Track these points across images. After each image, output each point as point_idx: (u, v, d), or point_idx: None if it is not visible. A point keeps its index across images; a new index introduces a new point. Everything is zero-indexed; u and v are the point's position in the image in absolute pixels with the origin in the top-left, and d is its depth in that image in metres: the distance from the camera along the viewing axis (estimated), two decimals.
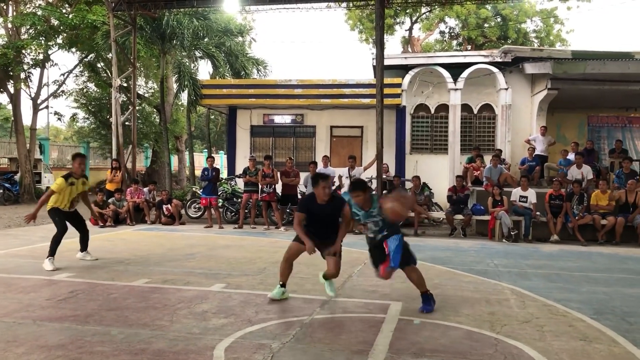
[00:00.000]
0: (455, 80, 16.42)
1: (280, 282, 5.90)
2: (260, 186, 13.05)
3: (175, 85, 24.45)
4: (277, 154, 17.83)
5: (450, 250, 10.19)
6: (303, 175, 13.12)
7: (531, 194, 11.99)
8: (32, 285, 6.32)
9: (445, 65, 16.79)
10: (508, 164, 14.87)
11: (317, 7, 17.27)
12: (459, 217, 12.52)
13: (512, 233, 11.64)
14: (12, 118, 24.34)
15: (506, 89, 16.32)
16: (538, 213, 11.92)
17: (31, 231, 11.65)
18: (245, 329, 4.76)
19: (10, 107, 24.13)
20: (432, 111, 17.38)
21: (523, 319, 5.35)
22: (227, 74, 23.98)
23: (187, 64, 23.32)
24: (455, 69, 16.59)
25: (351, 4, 19.86)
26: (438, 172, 16.22)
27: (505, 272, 7.92)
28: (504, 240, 11.64)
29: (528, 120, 16.80)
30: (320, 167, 13.06)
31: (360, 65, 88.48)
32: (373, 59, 16.26)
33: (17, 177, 21.45)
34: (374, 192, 5.79)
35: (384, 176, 13.80)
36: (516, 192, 12.14)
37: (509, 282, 7.14)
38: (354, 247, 10.06)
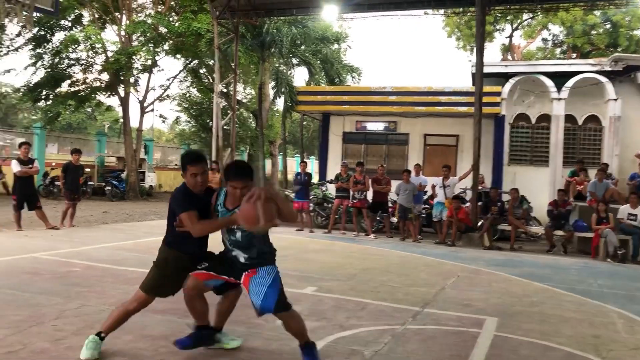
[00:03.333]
0: (559, 89, 15.69)
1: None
2: (351, 192, 13.08)
3: (271, 92, 25.14)
4: (369, 161, 17.80)
5: (549, 267, 9.70)
6: (394, 183, 13.01)
7: None
8: (136, 278, 6.65)
9: (548, 74, 16.10)
10: (616, 180, 13.95)
11: (416, 14, 17.10)
12: (560, 233, 11.91)
13: (618, 252, 10.89)
14: (122, 120, 26.05)
15: (615, 100, 15.36)
16: None
17: (136, 227, 12.36)
18: (337, 334, 4.77)
19: (120, 109, 25.83)
20: (533, 121, 16.67)
21: (633, 345, 4.98)
22: (322, 81, 24.32)
23: (284, 70, 23.89)
24: (559, 78, 15.85)
25: (450, 11, 19.50)
26: (537, 185, 15.52)
27: (611, 294, 7.42)
28: (609, 259, 10.91)
29: (639, 133, 15.70)
30: (412, 176, 12.90)
31: (457, 73, 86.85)
32: (472, 66, 15.88)
33: (123, 175, 22.86)
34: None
35: (480, 187, 13.40)
36: (624, 209, 11.37)
37: (615, 305, 6.67)
38: (446, 259, 9.85)
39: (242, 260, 3.96)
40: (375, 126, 18.08)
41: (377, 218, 13.49)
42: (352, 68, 25.89)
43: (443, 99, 16.59)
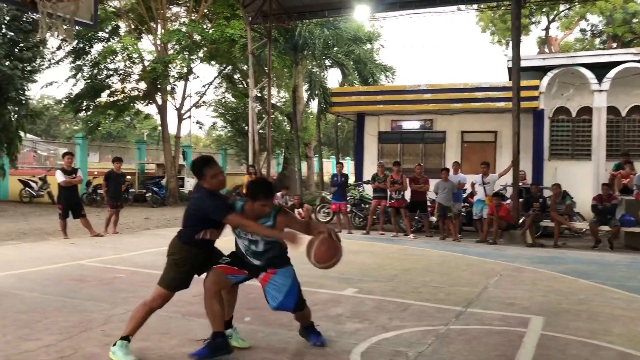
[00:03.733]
0: (599, 81, 15.26)
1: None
2: (388, 192, 13.01)
3: (305, 94, 25.23)
4: (405, 160, 17.64)
5: (595, 263, 9.43)
6: (433, 182, 12.88)
7: None
8: None
9: (588, 65, 15.66)
10: None
11: (449, 10, 16.90)
12: (605, 228, 11.59)
13: None
14: (160, 127, 26.55)
15: None
16: None
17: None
18: (380, 335, 4.75)
19: (158, 117, 26.33)
20: (574, 114, 16.25)
21: None
22: (356, 81, 24.27)
23: (318, 72, 23.93)
24: (600, 69, 15.40)
25: (484, 5, 19.21)
26: (580, 179, 15.13)
27: None
28: None
29: None
30: (451, 174, 12.75)
31: (492, 68, 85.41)
32: (508, 60, 15.62)
33: (163, 181, 23.28)
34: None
35: (521, 184, 13.15)
36: None
37: None
38: (488, 257, 9.70)
39: (257, 263, 4.22)
40: (411, 125, 17.93)
41: (416, 217, 13.38)
42: (385, 67, 25.74)
43: (479, 94, 16.34)
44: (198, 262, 4.18)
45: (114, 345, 4.00)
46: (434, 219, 13.23)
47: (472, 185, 12.82)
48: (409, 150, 18.10)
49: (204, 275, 4.19)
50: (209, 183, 4.10)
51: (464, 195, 13.32)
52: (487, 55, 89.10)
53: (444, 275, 7.86)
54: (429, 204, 13.20)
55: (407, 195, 13.06)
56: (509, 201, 12.77)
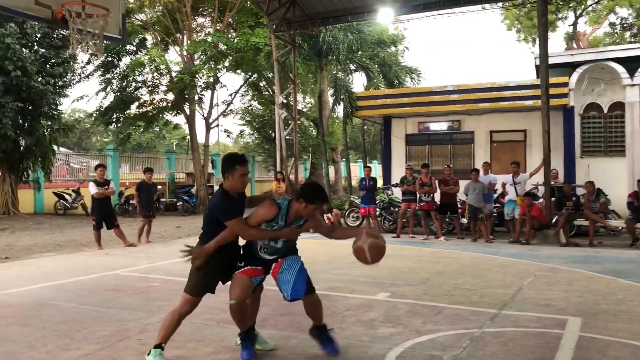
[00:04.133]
0: (631, 75, 14.93)
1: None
2: (418, 195, 12.92)
3: (331, 99, 25.26)
4: (434, 161, 17.53)
5: (634, 262, 9.20)
6: (462, 183, 12.75)
7: None
8: None
9: (618, 60, 15.34)
10: None
11: (473, 9, 16.74)
12: None
13: None
14: (188, 137, 26.90)
15: None
16: None
17: None
18: (414, 339, 4.72)
19: (186, 127, 26.68)
20: (605, 110, 15.92)
21: None
22: (381, 85, 24.19)
23: (342, 77, 23.95)
24: (631, 63, 15.09)
25: (508, 3, 18.98)
26: (614, 176, 14.79)
27: None
28: None
29: None
30: (481, 174, 12.61)
31: (520, 66, 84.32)
32: (535, 58, 15.40)
33: (193, 190, 23.56)
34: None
35: (552, 182, 12.93)
36: None
37: None
38: (521, 258, 9.56)
39: (270, 258, 4.25)
40: (439, 126, 17.80)
41: (447, 220, 13.26)
42: (410, 69, 25.63)
43: (507, 93, 16.14)
44: (221, 266, 4.16)
45: (148, 354, 4.06)
46: (465, 220, 13.10)
47: (503, 185, 12.65)
48: (437, 152, 17.97)
49: (229, 283, 4.21)
50: (233, 181, 4.11)
51: (495, 195, 13.15)
52: (513, 54, 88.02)
53: (476, 277, 7.77)
54: (459, 205, 13.07)
55: (437, 197, 12.96)
56: (541, 200, 12.56)
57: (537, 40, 15.41)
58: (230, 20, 24.09)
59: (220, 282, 4.24)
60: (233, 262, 4.21)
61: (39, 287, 7.09)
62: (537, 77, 14.99)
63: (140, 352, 4.36)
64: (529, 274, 8.00)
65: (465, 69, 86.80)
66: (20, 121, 17.61)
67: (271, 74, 22.15)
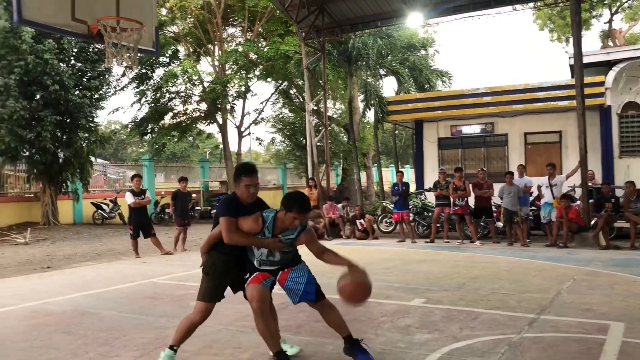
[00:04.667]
0: None
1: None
2: (452, 199, 12.80)
3: (361, 105, 25.22)
4: (467, 165, 17.33)
5: None
6: (497, 187, 12.57)
7: None
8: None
9: None
10: None
11: (505, 10, 16.55)
12: None
13: None
14: (221, 145, 27.23)
15: None
16: None
17: None
18: (451, 345, 4.67)
19: (219, 135, 27.02)
20: None
21: None
22: (412, 89, 24.06)
23: (373, 82, 23.91)
24: None
25: (540, 3, 18.71)
26: None
27: None
28: None
29: None
30: (516, 177, 12.42)
31: (553, 66, 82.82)
32: (569, 57, 15.11)
33: None
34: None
35: (590, 184, 12.64)
36: None
37: None
38: (560, 262, 9.36)
39: (271, 268, 4.24)
40: (472, 129, 17.61)
41: (482, 224, 13.09)
42: (441, 73, 25.39)
43: (541, 94, 15.87)
44: (229, 271, 4.20)
45: (163, 351, 4.16)
46: (500, 224, 12.91)
47: (539, 187, 12.43)
48: (471, 155, 17.77)
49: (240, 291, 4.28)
50: (239, 191, 4.14)
51: (531, 198, 12.93)
52: (547, 54, 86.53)
53: (513, 282, 7.65)
54: (494, 209, 12.88)
55: (471, 201, 12.82)
56: (578, 202, 12.30)
57: (571, 39, 15.11)
58: (260, 29, 24.36)
59: (231, 291, 4.33)
60: (240, 268, 4.24)
61: (79, 296, 7.26)
62: (572, 77, 14.70)
63: (178, 358, 4.42)
64: (567, 277, 7.84)
65: (498, 71, 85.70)
66: (59, 134, 18.06)
67: (301, 81, 22.29)
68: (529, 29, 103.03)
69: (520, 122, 16.86)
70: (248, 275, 4.22)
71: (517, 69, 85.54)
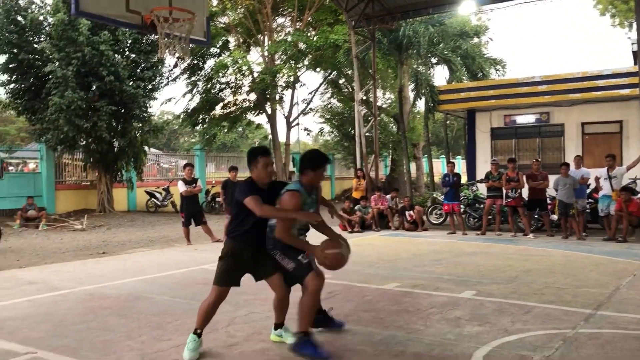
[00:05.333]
0: None
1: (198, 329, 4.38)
2: (504, 191, 12.48)
3: (411, 94, 24.92)
4: (521, 156, 16.85)
5: None
6: (552, 178, 12.18)
7: None
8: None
9: None
10: None
11: None
12: None
13: None
14: (270, 136, 27.46)
15: None
16: None
17: None
18: (502, 339, 4.55)
19: (268, 126, 27.25)
20: None
21: None
22: (464, 77, 23.59)
23: (424, 71, 23.56)
24: None
25: None
26: None
27: None
28: None
29: None
30: (572, 169, 12.01)
31: (615, 53, 79.41)
32: (632, 44, 14.47)
33: None
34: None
35: None
36: None
37: None
38: (620, 257, 9.00)
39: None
40: (526, 119, 17.09)
41: (535, 216, 12.72)
42: (495, 61, 24.78)
43: (601, 83, 15.24)
44: (244, 261, 4.30)
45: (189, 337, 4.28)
46: (555, 217, 12.51)
47: (597, 179, 11.97)
48: (525, 146, 17.27)
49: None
50: (258, 171, 4.26)
51: (588, 190, 12.47)
52: (607, 40, 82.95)
53: (568, 276, 7.40)
54: (548, 201, 12.49)
55: (525, 193, 12.47)
56: (639, 195, 11.78)
57: (635, 24, 14.43)
58: (309, 18, 24.34)
59: (253, 278, 4.43)
60: (257, 255, 4.32)
61: (133, 281, 7.47)
62: (635, 64, 14.06)
63: (228, 344, 4.49)
64: (627, 273, 7.52)
65: (554, 59, 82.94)
66: (114, 124, 18.58)
67: (350, 70, 22.20)
68: (587, 14, 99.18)
69: (577, 111, 16.25)
70: (300, 255, 4.29)
71: (574, 57, 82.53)
